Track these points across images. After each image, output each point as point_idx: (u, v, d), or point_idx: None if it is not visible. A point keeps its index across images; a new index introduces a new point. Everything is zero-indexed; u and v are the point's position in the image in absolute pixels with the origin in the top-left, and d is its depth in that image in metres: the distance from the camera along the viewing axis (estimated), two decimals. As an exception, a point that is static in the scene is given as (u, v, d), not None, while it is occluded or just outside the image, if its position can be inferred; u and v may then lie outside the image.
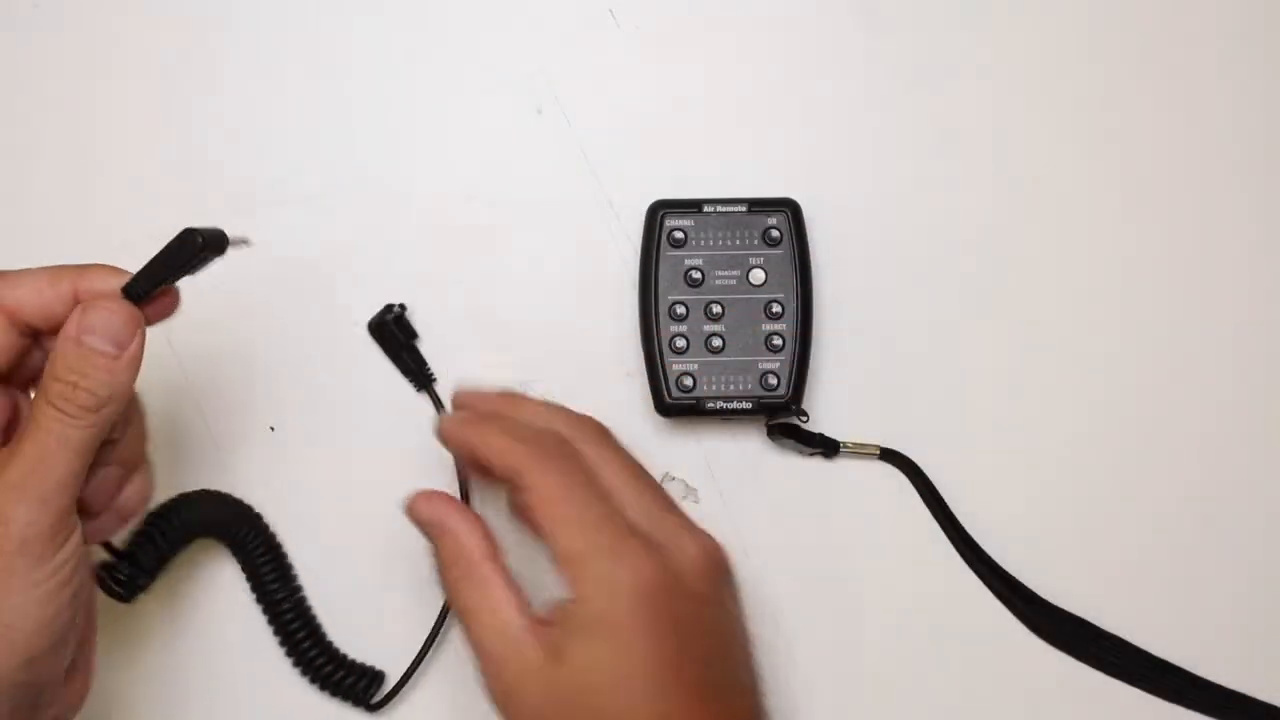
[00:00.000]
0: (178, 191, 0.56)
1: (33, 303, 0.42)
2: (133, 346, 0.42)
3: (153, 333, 0.55)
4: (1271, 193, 0.57)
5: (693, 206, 0.52)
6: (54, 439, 0.40)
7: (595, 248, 0.55)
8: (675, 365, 0.51)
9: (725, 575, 0.46)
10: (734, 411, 0.52)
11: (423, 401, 0.54)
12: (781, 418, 0.53)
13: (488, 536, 0.45)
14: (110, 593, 0.49)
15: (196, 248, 0.42)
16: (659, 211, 0.53)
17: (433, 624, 0.52)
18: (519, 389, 0.50)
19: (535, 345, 0.55)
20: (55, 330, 0.42)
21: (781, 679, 0.54)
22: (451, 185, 0.56)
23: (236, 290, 0.55)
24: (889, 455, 0.54)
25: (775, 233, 0.52)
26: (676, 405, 0.52)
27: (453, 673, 0.53)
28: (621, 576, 0.42)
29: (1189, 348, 0.56)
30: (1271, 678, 0.53)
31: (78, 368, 0.40)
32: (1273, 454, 0.55)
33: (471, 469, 0.50)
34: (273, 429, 0.54)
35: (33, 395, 0.44)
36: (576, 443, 0.46)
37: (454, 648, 0.53)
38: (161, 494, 0.52)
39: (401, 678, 0.52)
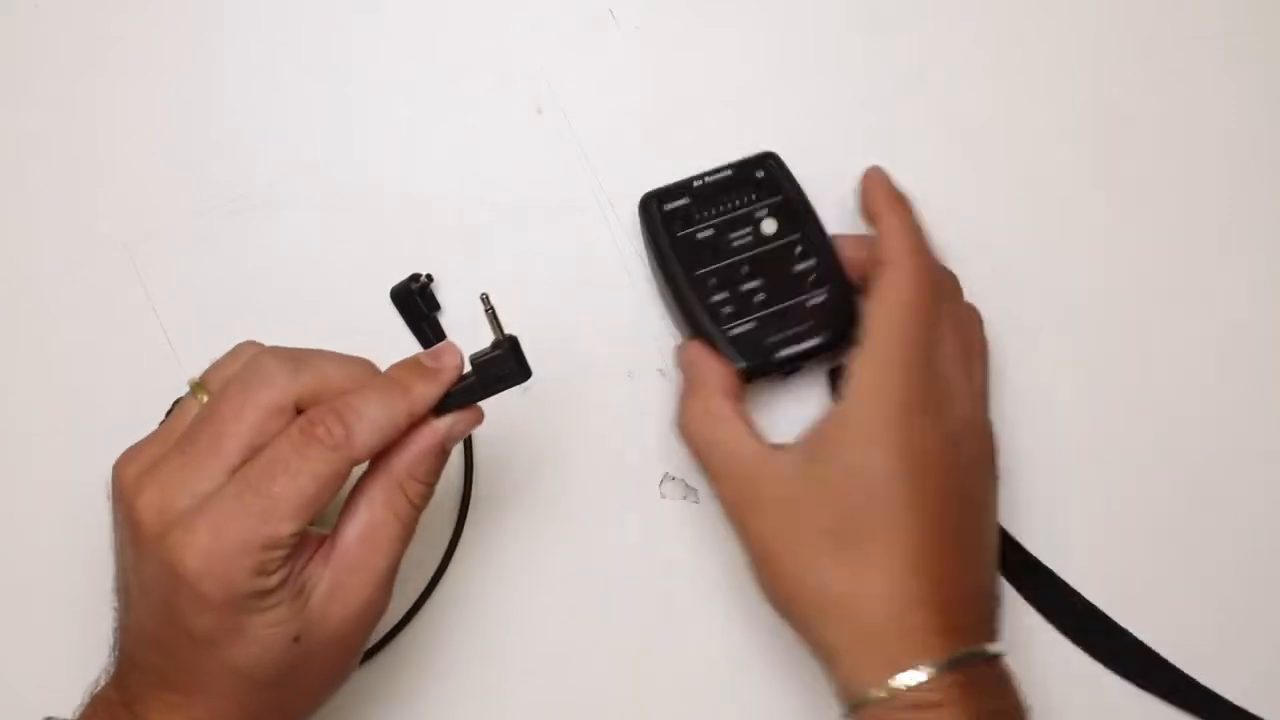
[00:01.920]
0: (178, 191, 0.56)
1: (384, 440, 0.43)
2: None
3: (153, 334, 0.55)
4: (1273, 194, 0.57)
5: (682, 187, 0.53)
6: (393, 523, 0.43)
7: (595, 248, 0.55)
8: (733, 330, 0.51)
9: (991, 454, 0.49)
10: (810, 353, 0.51)
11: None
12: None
13: (724, 374, 0.49)
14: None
15: (511, 369, 0.45)
16: (652, 202, 0.53)
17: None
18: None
19: (534, 345, 0.55)
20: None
21: (783, 679, 0.54)
22: (451, 185, 0.56)
23: (236, 290, 0.55)
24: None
25: (768, 183, 0.53)
26: (754, 368, 0.51)
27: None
28: (902, 396, 0.45)
29: (1188, 347, 0.56)
30: None
31: (435, 472, 0.44)
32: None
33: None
34: (273, 429, 0.54)
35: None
36: (949, 282, 0.50)
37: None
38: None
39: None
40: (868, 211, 0.50)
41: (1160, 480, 0.56)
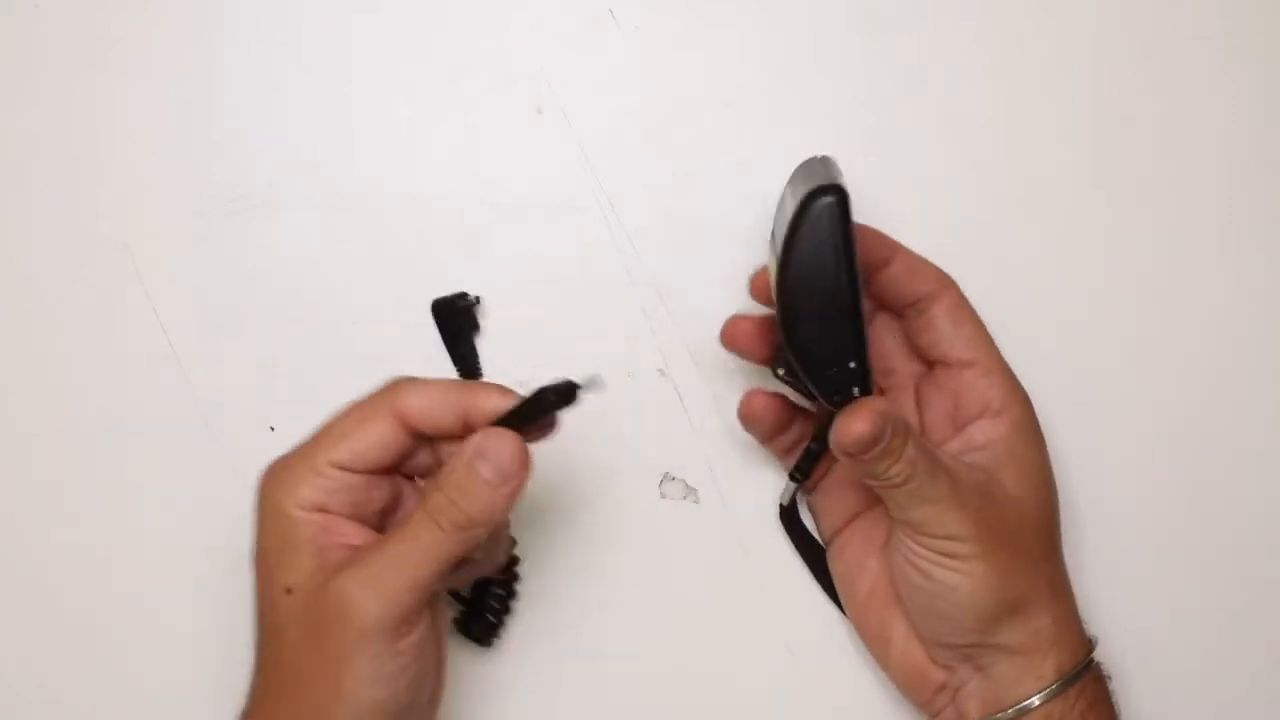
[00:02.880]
0: (178, 191, 0.56)
1: (424, 411, 0.45)
2: (515, 481, 0.44)
3: (153, 334, 0.55)
4: (1273, 193, 0.57)
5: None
6: (421, 546, 0.43)
7: (595, 248, 0.55)
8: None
9: None
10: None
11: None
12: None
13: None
14: (472, 638, 0.52)
15: (548, 404, 0.44)
16: (836, 195, 0.46)
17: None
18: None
19: (534, 345, 0.55)
20: (441, 438, 0.45)
21: (784, 680, 0.54)
22: (451, 185, 0.56)
23: (236, 290, 0.55)
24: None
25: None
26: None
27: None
28: (1029, 399, 0.51)
29: (1188, 347, 0.56)
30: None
31: (461, 487, 0.43)
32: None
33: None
34: (273, 429, 0.54)
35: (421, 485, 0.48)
36: None
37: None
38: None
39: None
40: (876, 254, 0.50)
41: (1161, 479, 0.56)
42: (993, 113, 0.57)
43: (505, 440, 0.44)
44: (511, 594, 0.53)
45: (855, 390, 0.47)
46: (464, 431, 0.45)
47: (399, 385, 0.45)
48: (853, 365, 0.47)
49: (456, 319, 0.54)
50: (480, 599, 0.53)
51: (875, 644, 0.52)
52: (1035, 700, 0.47)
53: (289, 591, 0.43)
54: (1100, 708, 0.48)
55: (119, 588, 0.54)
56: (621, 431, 0.54)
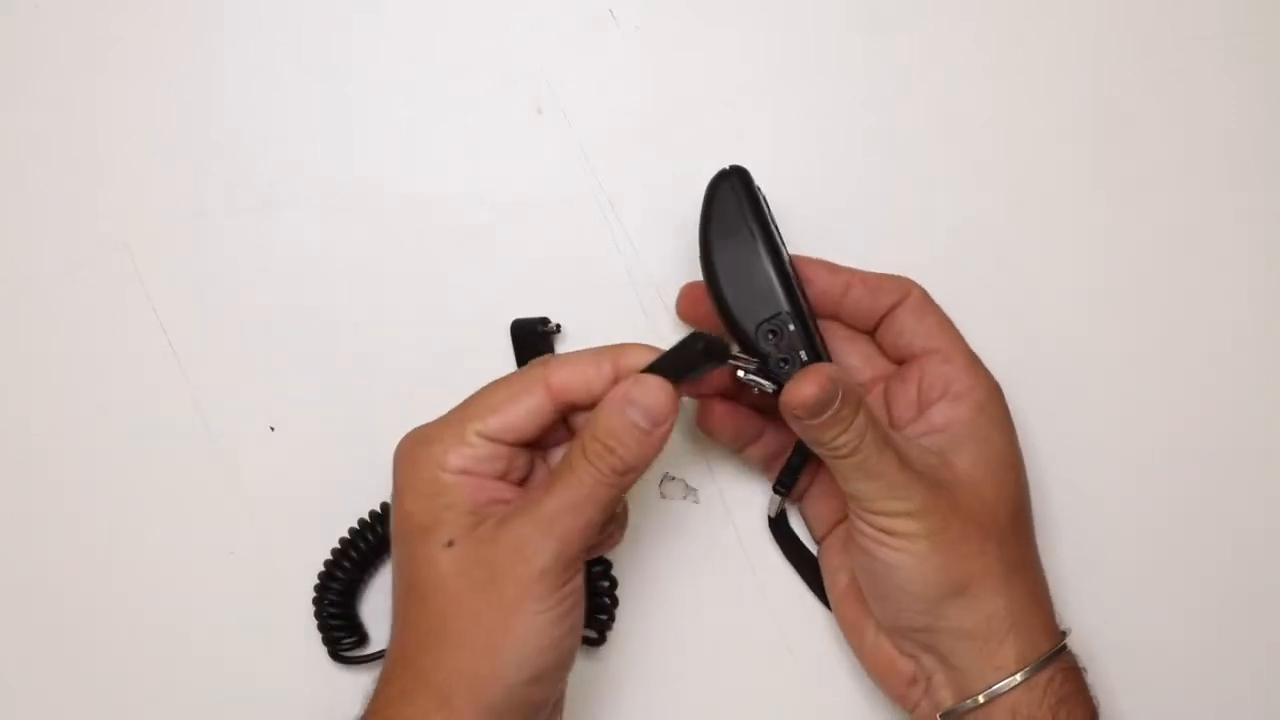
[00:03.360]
0: (178, 191, 0.56)
1: (578, 382, 0.46)
2: (665, 426, 0.45)
3: (153, 333, 0.55)
4: (1273, 193, 0.57)
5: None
6: (586, 489, 0.44)
7: (595, 248, 0.55)
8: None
9: None
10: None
11: (426, 403, 0.54)
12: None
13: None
14: (586, 640, 0.52)
15: (694, 356, 0.45)
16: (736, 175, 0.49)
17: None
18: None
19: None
20: (592, 406, 0.46)
21: (783, 681, 0.54)
22: (451, 185, 0.56)
23: (236, 290, 0.55)
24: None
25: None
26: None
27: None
28: (996, 386, 0.51)
29: (1188, 347, 0.56)
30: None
31: (616, 434, 0.44)
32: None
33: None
34: (273, 429, 0.54)
35: (551, 457, 0.49)
36: None
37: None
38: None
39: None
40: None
41: (1161, 479, 0.56)
42: (993, 113, 0.57)
43: (652, 385, 0.45)
44: (614, 583, 0.53)
45: (803, 356, 0.48)
46: None
47: (547, 361, 0.47)
48: (792, 328, 0.48)
49: (536, 344, 0.54)
50: (591, 592, 0.51)
51: (852, 638, 0.52)
52: (999, 687, 0.47)
53: (450, 544, 0.44)
54: (1074, 702, 0.47)
55: (118, 587, 0.54)
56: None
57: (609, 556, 0.53)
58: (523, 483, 0.47)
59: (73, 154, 0.56)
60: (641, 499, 0.54)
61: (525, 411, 0.46)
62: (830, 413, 0.45)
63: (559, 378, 0.46)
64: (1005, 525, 0.49)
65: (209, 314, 0.55)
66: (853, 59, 0.57)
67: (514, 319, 0.54)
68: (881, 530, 0.47)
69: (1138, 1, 0.58)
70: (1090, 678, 0.49)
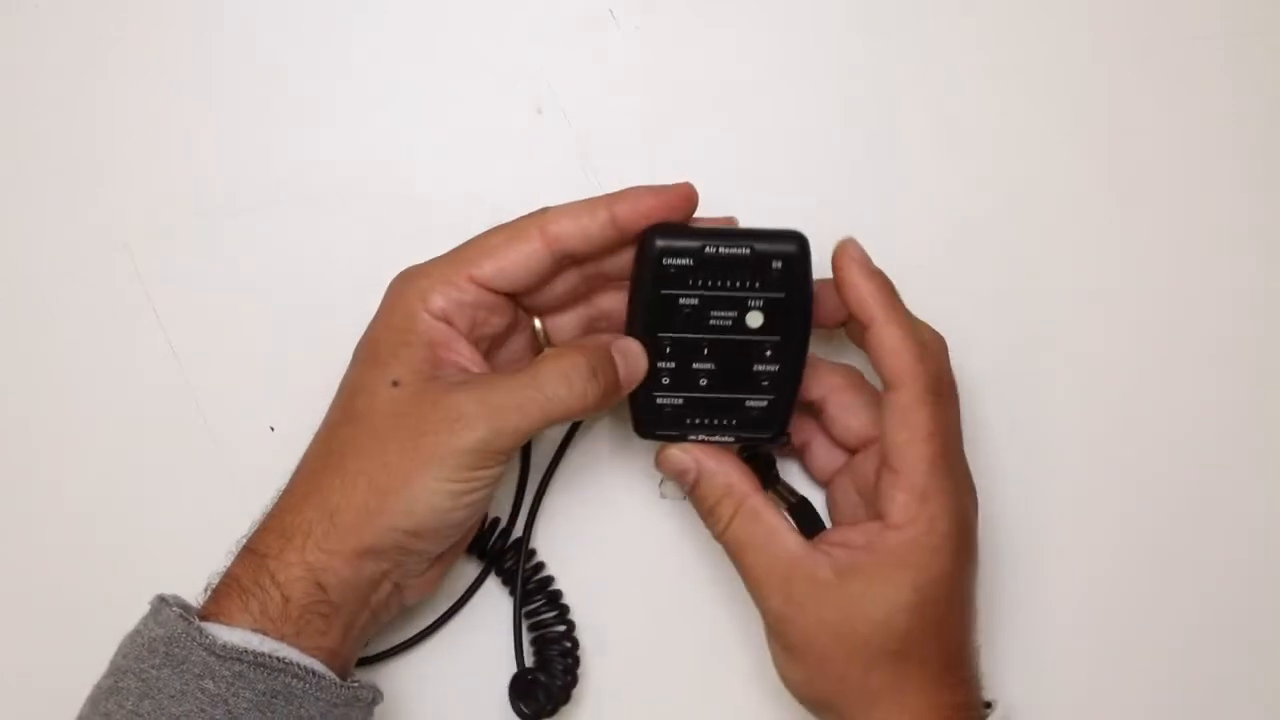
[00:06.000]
0: (178, 191, 0.56)
1: (574, 229, 0.46)
2: (627, 389, 0.48)
3: (153, 334, 0.55)
4: (1273, 193, 0.57)
5: (692, 247, 0.47)
6: (543, 395, 0.45)
7: (595, 248, 0.55)
8: (660, 399, 0.49)
9: None
10: (716, 441, 0.50)
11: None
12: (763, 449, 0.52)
13: (748, 473, 0.49)
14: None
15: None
16: (653, 244, 0.47)
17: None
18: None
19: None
20: (591, 255, 0.47)
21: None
22: (451, 185, 0.56)
23: (236, 290, 0.55)
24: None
25: (778, 278, 0.47)
26: (660, 435, 0.50)
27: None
28: (955, 521, 0.46)
29: (1188, 347, 0.56)
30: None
31: (602, 363, 0.46)
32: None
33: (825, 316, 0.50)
34: (273, 429, 0.54)
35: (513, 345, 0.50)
36: (947, 379, 0.48)
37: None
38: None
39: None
40: (860, 312, 0.47)
41: (1160, 479, 0.56)
42: (993, 112, 0.57)
43: (639, 352, 0.47)
44: (574, 651, 0.53)
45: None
46: (619, 239, 0.47)
47: (546, 211, 0.47)
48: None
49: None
50: (544, 663, 0.52)
51: None
52: None
53: (395, 384, 0.45)
54: None
55: (118, 587, 0.54)
56: (621, 431, 0.54)
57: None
58: (496, 341, 0.49)
59: (73, 154, 0.56)
60: (641, 498, 0.54)
61: (521, 257, 0.46)
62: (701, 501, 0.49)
63: (557, 226, 0.46)
64: (908, 652, 0.46)
65: (209, 314, 0.55)
66: (853, 59, 0.57)
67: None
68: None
69: (1138, 1, 0.58)
70: None
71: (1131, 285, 0.56)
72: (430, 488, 0.44)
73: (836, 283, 0.47)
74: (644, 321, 0.48)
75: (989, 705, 0.48)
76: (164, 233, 0.55)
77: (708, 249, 0.47)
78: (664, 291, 0.47)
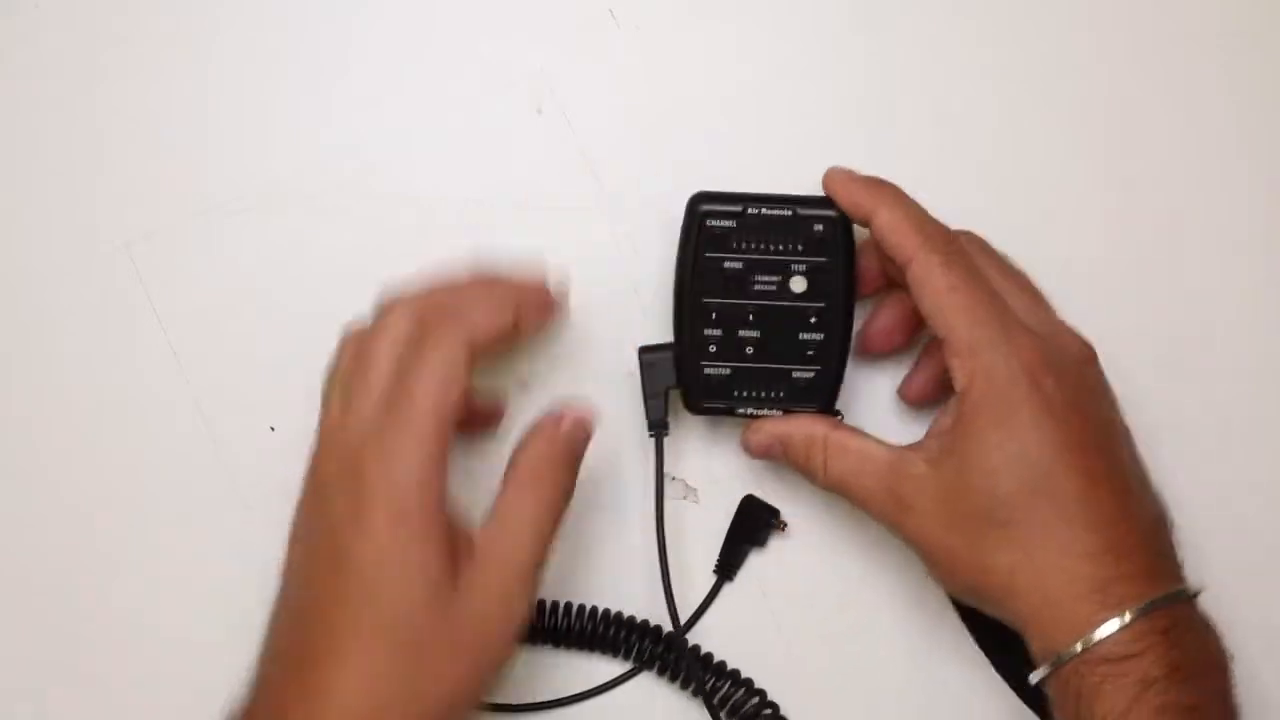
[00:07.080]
0: (178, 191, 0.56)
1: (487, 331, 0.46)
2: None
3: (153, 333, 0.55)
4: (1273, 193, 0.57)
5: (734, 210, 0.49)
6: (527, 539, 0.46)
7: (595, 249, 0.55)
8: (708, 369, 0.50)
9: (1103, 372, 0.49)
10: (764, 415, 0.51)
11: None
12: None
13: (819, 417, 0.50)
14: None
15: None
16: (698, 207, 0.50)
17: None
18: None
19: (533, 346, 0.55)
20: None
21: (785, 679, 0.54)
22: (451, 185, 0.56)
23: (236, 290, 0.55)
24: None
25: (820, 242, 0.49)
26: (709, 408, 0.51)
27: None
28: (1013, 363, 0.45)
29: (1188, 347, 0.56)
30: None
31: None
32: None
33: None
34: (273, 429, 0.55)
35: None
36: (960, 240, 0.49)
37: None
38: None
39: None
40: (857, 214, 0.49)
41: (1159, 479, 0.56)
42: (993, 113, 0.57)
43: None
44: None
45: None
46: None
47: (458, 325, 0.45)
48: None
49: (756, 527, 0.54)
50: None
51: None
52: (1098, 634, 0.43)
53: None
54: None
55: (118, 588, 0.54)
56: (621, 431, 0.54)
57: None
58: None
59: (73, 154, 0.56)
60: (641, 499, 0.54)
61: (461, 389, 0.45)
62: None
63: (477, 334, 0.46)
64: (1037, 517, 0.45)
65: (209, 314, 0.55)
66: (853, 59, 0.57)
67: (747, 495, 0.54)
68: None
69: (1138, 1, 0.58)
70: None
71: (1132, 285, 0.56)
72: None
73: (827, 193, 0.49)
74: (690, 288, 0.49)
75: (1191, 594, 0.45)
76: (164, 233, 0.55)
77: (749, 209, 0.49)
78: (709, 255, 0.49)
